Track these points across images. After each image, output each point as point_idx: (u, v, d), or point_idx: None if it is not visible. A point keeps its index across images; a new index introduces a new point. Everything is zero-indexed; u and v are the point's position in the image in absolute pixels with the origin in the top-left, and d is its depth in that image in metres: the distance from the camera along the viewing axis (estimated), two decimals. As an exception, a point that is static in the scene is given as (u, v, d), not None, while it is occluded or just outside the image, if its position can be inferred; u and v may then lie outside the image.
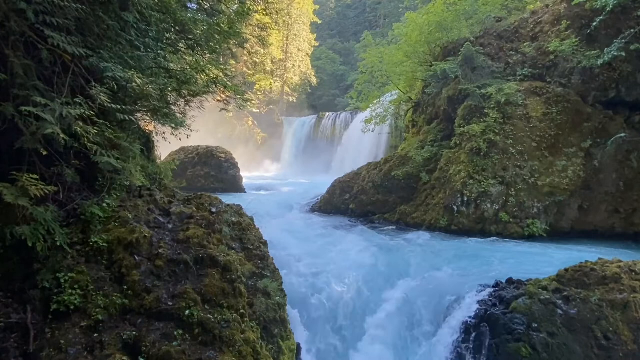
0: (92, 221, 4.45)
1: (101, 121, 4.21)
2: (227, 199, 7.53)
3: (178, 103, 7.10)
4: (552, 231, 12.36)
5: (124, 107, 4.44)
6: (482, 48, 14.92)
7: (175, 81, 6.36)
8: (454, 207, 12.96)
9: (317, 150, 37.67)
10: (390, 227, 14.24)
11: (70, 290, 3.91)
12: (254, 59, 37.54)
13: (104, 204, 4.65)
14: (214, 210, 5.87)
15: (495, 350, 6.36)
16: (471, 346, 6.67)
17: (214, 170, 22.28)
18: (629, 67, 12.12)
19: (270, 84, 44.42)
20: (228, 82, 7.81)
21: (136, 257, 4.47)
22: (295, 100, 47.76)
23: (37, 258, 3.93)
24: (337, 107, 45.21)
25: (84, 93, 4.19)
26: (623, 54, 11.60)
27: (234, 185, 22.45)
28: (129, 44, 5.09)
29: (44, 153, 3.83)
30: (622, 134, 12.22)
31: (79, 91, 4.22)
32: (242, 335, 4.42)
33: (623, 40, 11.63)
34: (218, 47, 7.67)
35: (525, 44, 14.54)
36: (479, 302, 7.15)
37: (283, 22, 39.30)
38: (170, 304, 4.26)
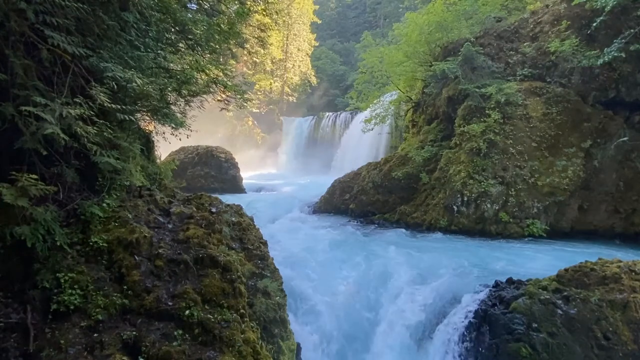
0: (92, 221, 4.45)
1: (101, 121, 4.20)
2: (227, 199, 7.53)
3: (178, 103, 7.11)
4: (552, 231, 12.36)
5: (124, 107, 4.43)
6: (482, 48, 14.92)
7: (175, 81, 6.36)
8: (454, 207, 12.96)
9: (317, 150, 37.69)
10: (390, 227, 14.24)
11: (70, 290, 3.91)
12: (254, 59, 37.52)
13: (104, 204, 4.65)
14: (214, 210, 5.87)
15: (495, 350, 6.35)
16: (471, 346, 6.67)
17: (214, 170, 22.30)
18: (628, 67, 12.13)
19: (270, 84, 44.42)
20: (228, 82, 7.81)
21: (136, 257, 4.47)
22: (295, 100, 47.75)
23: (37, 258, 3.92)
24: (337, 107, 45.20)
25: (84, 93, 4.18)
26: (623, 54, 11.60)
27: (234, 185, 22.46)
28: (129, 44, 5.09)
29: (44, 153, 3.82)
30: (625, 138, 12.24)
31: (79, 91, 4.21)
32: (242, 335, 4.42)
33: (623, 41, 11.64)
34: (218, 47, 7.67)
35: (525, 44, 14.55)
36: (479, 302, 7.15)
37: (283, 22, 39.30)
38: (170, 304, 4.25)
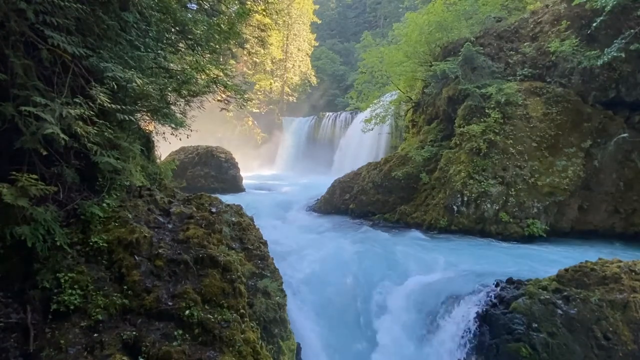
0: (92, 221, 4.44)
1: (101, 121, 4.20)
2: (227, 199, 7.54)
3: (178, 103, 7.10)
4: (552, 231, 12.36)
5: (124, 107, 4.44)
6: (482, 48, 14.92)
7: (175, 81, 6.36)
8: (454, 207, 12.97)
9: (317, 150, 37.70)
10: (390, 227, 14.24)
11: (70, 290, 3.91)
12: (254, 59, 37.50)
13: (104, 204, 4.65)
14: (214, 210, 5.87)
15: (495, 350, 6.36)
16: (471, 346, 6.68)
17: (214, 170, 22.30)
18: (629, 67, 12.13)
19: (270, 84, 44.42)
20: (228, 82, 7.81)
21: (136, 257, 4.47)
22: (295, 100, 47.73)
23: (37, 258, 3.92)
24: (337, 107, 45.20)
25: (84, 93, 4.18)
26: (623, 54, 11.60)
27: (234, 185, 22.47)
28: (129, 44, 5.09)
29: (44, 153, 3.82)
30: (624, 134, 12.24)
31: (79, 91, 4.21)
32: (242, 335, 4.42)
33: (623, 41, 11.64)
34: (218, 47, 7.67)
35: (525, 44, 14.55)
36: (479, 302, 7.16)
37: (283, 22, 39.29)
38: (170, 304, 4.25)
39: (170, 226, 5.19)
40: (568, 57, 13.10)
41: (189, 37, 7.18)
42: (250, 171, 31.23)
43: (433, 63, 16.11)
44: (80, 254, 4.25)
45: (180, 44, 7.33)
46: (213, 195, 6.47)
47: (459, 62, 14.57)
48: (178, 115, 7.02)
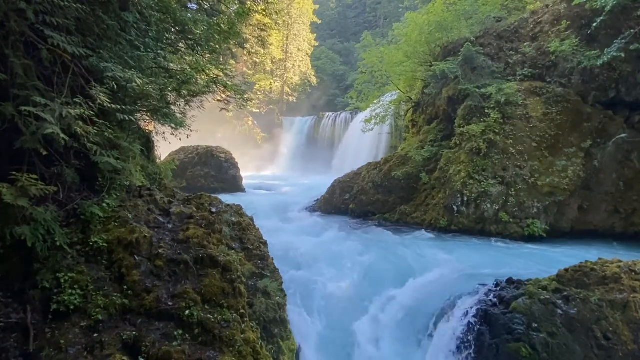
0: (92, 221, 4.45)
1: (101, 121, 4.21)
2: (227, 199, 7.53)
3: (178, 103, 7.11)
4: (552, 231, 12.35)
5: (124, 107, 4.44)
6: (482, 48, 14.91)
7: (175, 81, 6.36)
8: (454, 207, 12.96)
9: (317, 150, 37.71)
10: (390, 227, 14.24)
11: (70, 290, 3.91)
12: (254, 59, 37.46)
13: (104, 204, 4.65)
14: (214, 210, 5.87)
15: (495, 350, 6.35)
16: (471, 346, 6.67)
17: (214, 170, 22.30)
18: (628, 67, 12.12)
19: (270, 84, 44.43)
20: (228, 82, 7.81)
21: (136, 257, 4.47)
22: (295, 100, 47.72)
23: (37, 258, 3.92)
24: (337, 107, 45.19)
25: (84, 93, 4.19)
26: (623, 54, 11.60)
27: (234, 185, 22.47)
28: (129, 44, 5.10)
29: (44, 153, 3.82)
30: (623, 134, 12.25)
31: (79, 91, 4.21)
32: (242, 335, 4.42)
33: (623, 41, 11.64)
34: (218, 47, 7.67)
35: (525, 44, 14.55)
36: (479, 302, 7.15)
37: (283, 22, 39.28)
38: (170, 304, 4.25)
39: (170, 226, 5.20)
40: (568, 57, 13.10)
41: (189, 37, 7.19)
42: (250, 171, 31.23)
43: (433, 63, 16.10)
44: (80, 254, 4.25)
45: (180, 44, 7.34)
46: (213, 195, 6.48)
47: (459, 62, 14.57)
48: (178, 115, 7.03)
